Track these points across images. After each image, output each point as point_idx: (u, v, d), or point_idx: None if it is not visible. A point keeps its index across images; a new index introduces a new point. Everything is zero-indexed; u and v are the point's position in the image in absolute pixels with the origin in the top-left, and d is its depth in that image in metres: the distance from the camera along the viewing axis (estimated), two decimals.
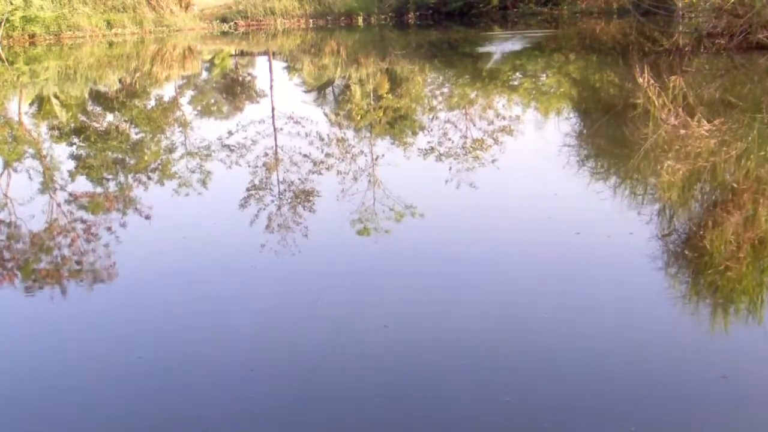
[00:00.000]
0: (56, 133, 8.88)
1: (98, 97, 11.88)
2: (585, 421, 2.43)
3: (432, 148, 6.65)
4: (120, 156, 7.28)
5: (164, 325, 3.30)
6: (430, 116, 8.67)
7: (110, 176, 6.45)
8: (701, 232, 4.09)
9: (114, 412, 2.59)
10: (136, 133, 8.66)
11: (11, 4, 19.74)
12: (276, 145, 7.31)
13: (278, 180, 5.86)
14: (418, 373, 2.76)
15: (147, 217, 5.04)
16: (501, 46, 16.13)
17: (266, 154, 6.82)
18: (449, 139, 7.04)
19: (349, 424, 2.47)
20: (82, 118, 9.99)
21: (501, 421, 2.44)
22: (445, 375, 2.72)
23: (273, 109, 10.00)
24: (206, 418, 2.53)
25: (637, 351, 2.84)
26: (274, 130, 8.22)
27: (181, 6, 24.06)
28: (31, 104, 11.28)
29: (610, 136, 6.89)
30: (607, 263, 3.77)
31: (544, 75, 11.69)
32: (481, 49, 15.65)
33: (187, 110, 10.49)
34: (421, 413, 2.50)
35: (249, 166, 6.38)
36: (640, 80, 8.31)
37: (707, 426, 2.41)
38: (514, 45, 16.21)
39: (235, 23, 24.81)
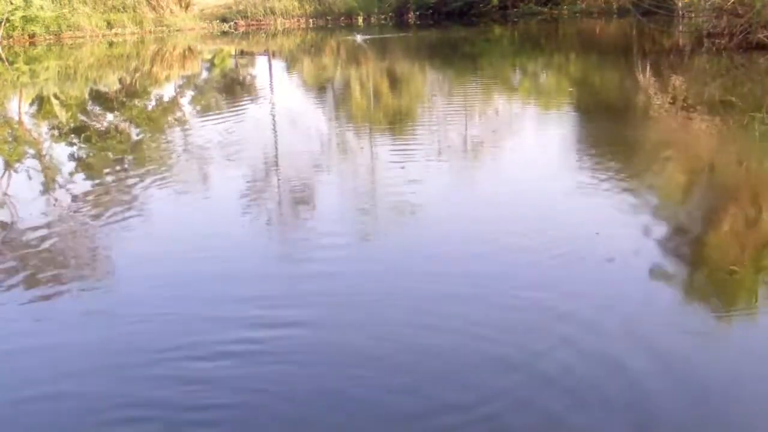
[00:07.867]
0: (56, 132, 8.88)
1: (98, 96, 11.87)
2: (587, 421, 2.43)
3: (434, 147, 6.64)
4: (120, 155, 7.27)
5: (164, 325, 3.30)
6: (431, 114, 8.67)
7: (110, 176, 6.44)
8: (703, 231, 4.09)
9: (114, 414, 2.59)
10: (137, 134, 8.65)
11: (11, 3, 19.73)
12: (276, 145, 7.31)
13: (278, 179, 5.85)
14: (424, 376, 2.76)
15: (145, 217, 5.03)
16: None
17: (266, 154, 6.81)
18: (450, 139, 7.03)
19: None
20: (82, 117, 9.98)
21: (508, 423, 2.45)
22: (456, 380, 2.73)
23: (273, 108, 10.01)
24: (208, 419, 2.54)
25: (641, 351, 2.84)
26: (274, 129, 8.22)
27: (181, 6, 24.04)
28: (31, 104, 11.27)
29: (611, 135, 6.88)
30: (624, 261, 3.76)
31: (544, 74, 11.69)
32: None
33: (187, 110, 10.47)
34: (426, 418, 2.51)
35: (249, 165, 6.37)
36: (641, 80, 8.31)
37: (713, 426, 2.42)
38: None
39: (235, 23, 24.80)
